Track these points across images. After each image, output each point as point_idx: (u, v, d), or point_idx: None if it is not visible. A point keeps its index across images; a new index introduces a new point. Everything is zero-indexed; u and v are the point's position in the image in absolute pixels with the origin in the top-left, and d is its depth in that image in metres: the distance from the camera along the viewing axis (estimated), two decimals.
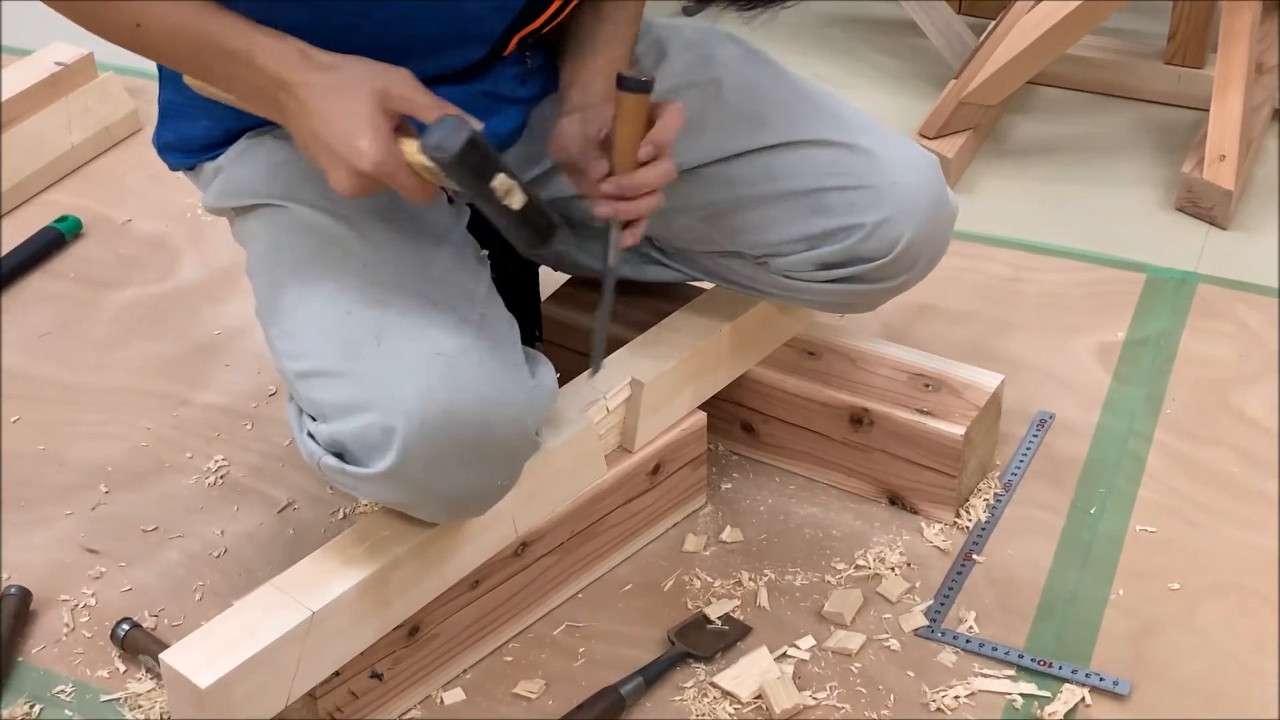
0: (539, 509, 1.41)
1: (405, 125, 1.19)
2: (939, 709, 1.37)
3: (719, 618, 1.46)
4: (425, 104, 1.18)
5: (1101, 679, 1.39)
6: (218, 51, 1.19)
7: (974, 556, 1.53)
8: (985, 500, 1.58)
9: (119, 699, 1.41)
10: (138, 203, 2.11)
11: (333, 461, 1.26)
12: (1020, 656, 1.42)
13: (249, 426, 1.72)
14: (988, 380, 1.57)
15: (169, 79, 1.38)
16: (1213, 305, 1.87)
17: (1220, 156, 2.02)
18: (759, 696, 1.38)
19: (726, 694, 1.38)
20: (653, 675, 1.40)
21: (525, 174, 1.47)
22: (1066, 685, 1.39)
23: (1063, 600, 1.48)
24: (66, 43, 2.17)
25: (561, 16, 1.34)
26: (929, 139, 2.12)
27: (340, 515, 1.60)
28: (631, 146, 1.28)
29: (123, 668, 1.44)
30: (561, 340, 1.67)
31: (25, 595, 1.49)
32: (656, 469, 1.51)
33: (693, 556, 1.54)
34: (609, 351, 1.46)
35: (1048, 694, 1.38)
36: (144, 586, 1.52)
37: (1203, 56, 2.25)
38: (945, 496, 1.55)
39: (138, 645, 1.43)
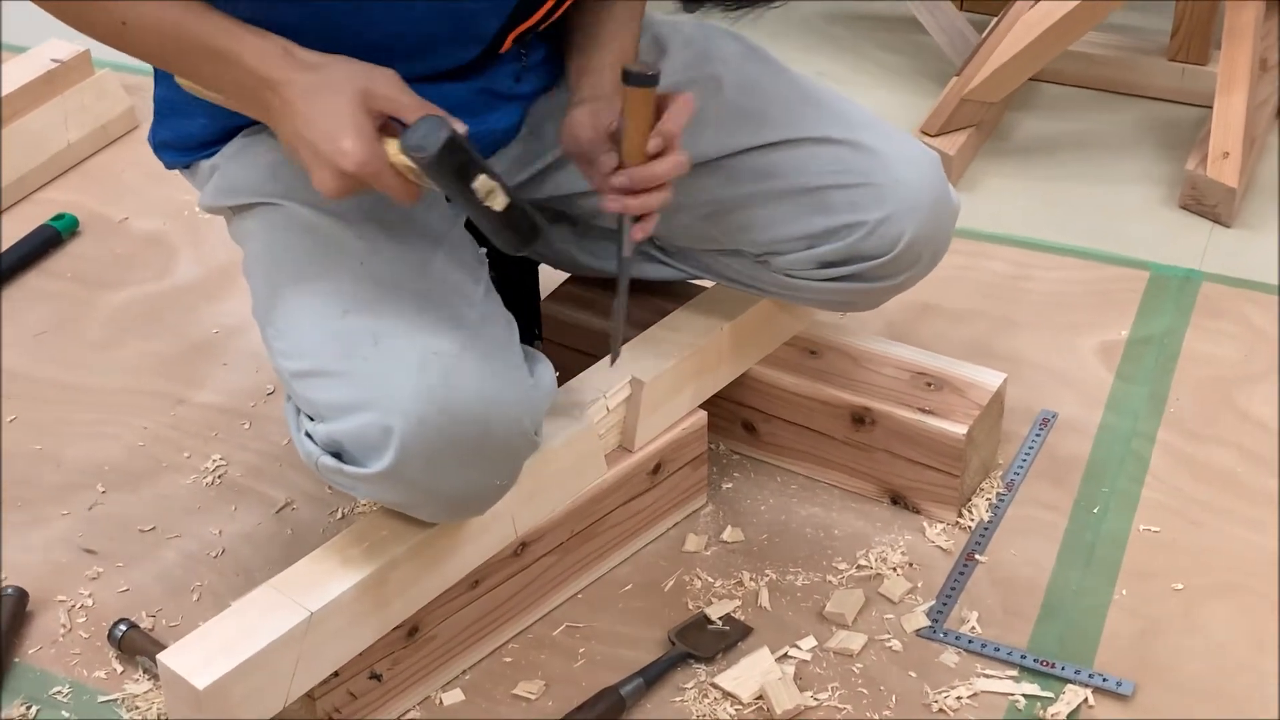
0: (539, 509, 1.40)
1: (390, 125, 1.19)
2: (941, 710, 1.37)
3: (720, 618, 1.45)
4: (409, 104, 1.17)
5: (1104, 679, 1.38)
6: (203, 50, 1.19)
7: (976, 556, 1.52)
8: (988, 500, 1.58)
9: (116, 700, 1.40)
10: (135, 201, 2.11)
11: (330, 461, 1.25)
12: (1023, 657, 1.41)
13: (247, 426, 1.72)
14: (990, 379, 1.56)
15: (164, 76, 1.37)
16: (1216, 304, 1.86)
17: (1224, 154, 2.01)
18: (760, 697, 1.37)
19: (727, 695, 1.38)
20: (653, 676, 1.40)
21: (524, 171, 1.47)
22: (1069, 686, 1.38)
23: (1066, 600, 1.48)
24: (62, 39, 2.17)
25: (557, 14, 1.33)
26: (931, 136, 2.12)
27: (339, 515, 1.60)
28: (640, 139, 1.27)
29: (120, 669, 1.44)
30: (561, 339, 1.67)
31: (22, 596, 1.49)
32: (657, 468, 1.51)
33: (693, 556, 1.54)
34: (612, 359, 1.45)
35: (1050, 695, 1.38)
36: (141, 587, 1.52)
37: (1206, 53, 2.24)
38: (947, 496, 1.54)
39: (135, 646, 1.43)
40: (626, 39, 1.38)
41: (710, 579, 1.51)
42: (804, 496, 1.60)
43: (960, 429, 1.50)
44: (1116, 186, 2.12)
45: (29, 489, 1.64)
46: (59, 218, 2.03)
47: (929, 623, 1.45)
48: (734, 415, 1.63)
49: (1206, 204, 2.04)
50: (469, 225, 1.39)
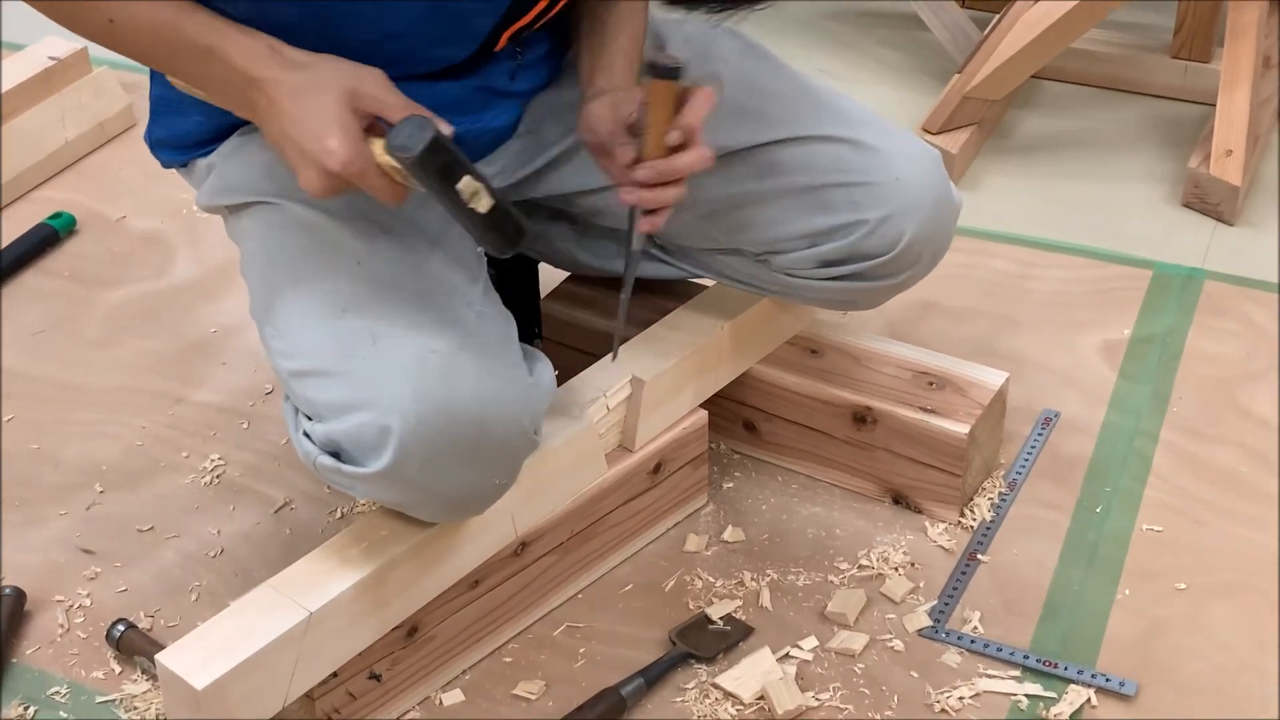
0: (538, 508, 1.40)
1: (377, 125, 1.18)
2: (943, 710, 1.36)
3: (721, 618, 1.45)
4: (395, 104, 1.17)
5: (1107, 680, 1.38)
6: (190, 48, 1.19)
7: (978, 556, 1.52)
8: (990, 499, 1.57)
9: (114, 700, 1.40)
10: (132, 199, 2.10)
11: (329, 461, 1.25)
12: (1025, 657, 1.41)
13: (245, 425, 1.71)
14: (992, 378, 1.55)
15: (159, 74, 1.36)
16: (1219, 302, 1.86)
17: (1227, 151, 2.01)
18: (761, 697, 1.37)
19: (728, 695, 1.38)
20: (654, 676, 1.39)
21: (523, 169, 1.46)
22: (1072, 686, 1.38)
23: (1068, 600, 1.47)
24: (59, 37, 2.16)
25: (552, 12, 1.33)
26: (933, 134, 2.12)
27: (338, 515, 1.59)
28: (663, 132, 1.27)
29: (118, 669, 1.43)
30: (561, 338, 1.66)
31: (20, 596, 1.49)
32: (657, 468, 1.50)
33: (694, 556, 1.53)
34: (610, 348, 1.45)
35: (1053, 695, 1.37)
36: (139, 587, 1.52)
37: (1209, 51, 2.24)
38: (949, 496, 1.54)
39: (133, 646, 1.43)
40: (635, 26, 1.37)
41: (711, 579, 1.50)
42: (805, 496, 1.60)
43: (962, 428, 1.50)
44: (1119, 184, 2.12)
45: (27, 489, 1.64)
46: (56, 216, 2.03)
47: (931, 623, 1.45)
48: (735, 414, 1.63)
49: (1209, 202, 2.03)
50: None
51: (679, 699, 1.38)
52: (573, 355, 1.59)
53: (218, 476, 1.65)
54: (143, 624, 1.47)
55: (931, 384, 1.55)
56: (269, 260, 1.32)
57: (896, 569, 1.50)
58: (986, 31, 2.14)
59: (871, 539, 1.54)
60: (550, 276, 1.70)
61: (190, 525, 1.59)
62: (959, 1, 2.42)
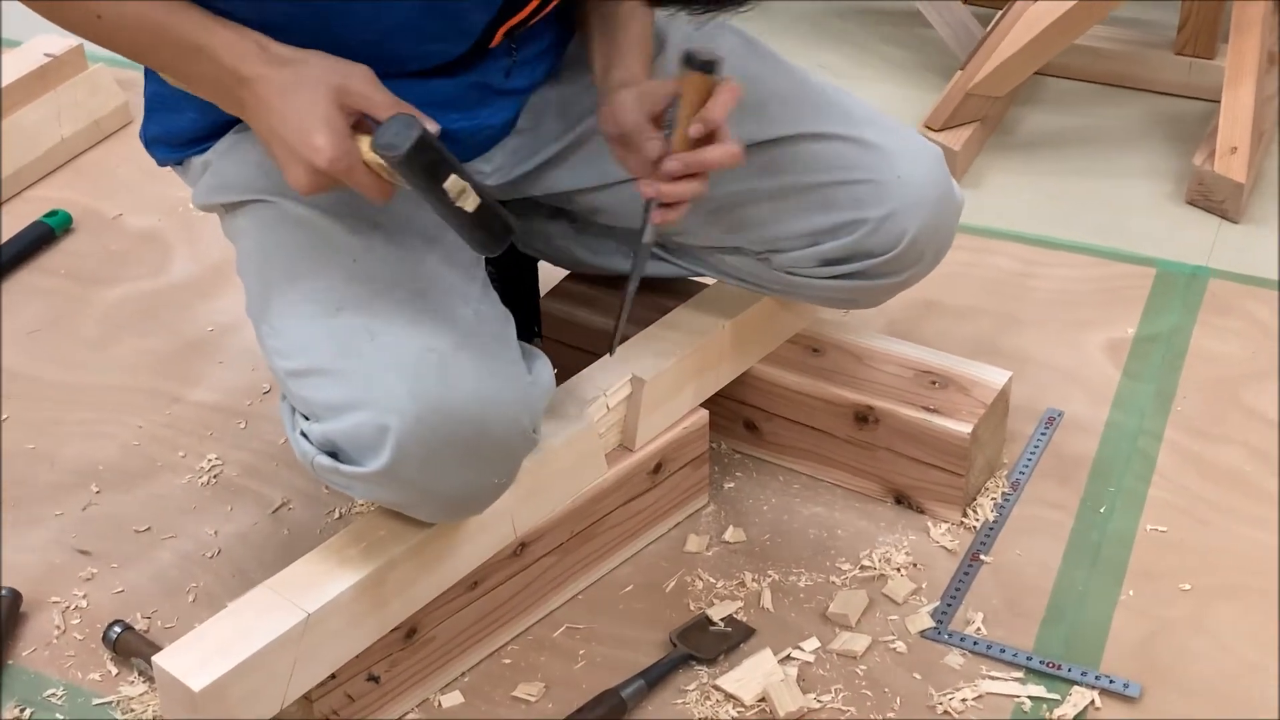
0: (538, 508, 1.39)
1: (364, 123, 1.18)
2: (946, 712, 1.36)
3: (722, 619, 1.45)
4: (382, 102, 1.17)
5: (1111, 681, 1.37)
6: (177, 45, 1.19)
7: (981, 557, 1.51)
8: (993, 499, 1.57)
9: (111, 702, 1.40)
10: (129, 197, 2.10)
11: (326, 461, 1.24)
12: (1029, 658, 1.40)
13: (242, 425, 1.71)
14: (995, 377, 1.55)
15: (154, 71, 1.36)
16: (1224, 300, 1.85)
17: (1232, 149, 2.00)
18: (762, 699, 1.36)
19: (729, 696, 1.37)
20: (654, 678, 1.39)
21: (522, 166, 1.46)
22: (1075, 688, 1.37)
23: (1072, 601, 1.46)
24: (55, 34, 2.15)
25: (547, 9, 1.32)
26: (935, 131, 2.11)
27: (336, 515, 1.59)
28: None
29: (115, 671, 1.43)
30: (561, 336, 1.66)
31: (15, 597, 1.48)
32: (658, 468, 1.50)
33: (695, 557, 1.52)
34: (611, 348, 1.44)
35: (1056, 696, 1.37)
36: (136, 588, 1.51)
37: (1214, 47, 2.23)
38: (952, 496, 1.53)
39: (130, 648, 1.42)
40: (645, 22, 1.37)
41: (712, 580, 1.49)
42: (807, 496, 1.59)
43: (965, 428, 1.49)
44: (1123, 182, 2.11)
45: (23, 489, 1.63)
46: (52, 214, 2.02)
47: (933, 624, 1.44)
48: (736, 414, 1.62)
49: (1214, 199, 2.02)
50: None
51: (680, 701, 1.38)
52: (572, 354, 1.59)
53: (215, 477, 1.64)
54: (139, 625, 1.46)
55: (934, 383, 1.54)
56: (265, 258, 1.31)
57: (899, 570, 1.50)
58: (989, 28, 2.13)
59: (873, 539, 1.53)
60: (550, 274, 1.69)
61: (187, 526, 1.58)
62: None
